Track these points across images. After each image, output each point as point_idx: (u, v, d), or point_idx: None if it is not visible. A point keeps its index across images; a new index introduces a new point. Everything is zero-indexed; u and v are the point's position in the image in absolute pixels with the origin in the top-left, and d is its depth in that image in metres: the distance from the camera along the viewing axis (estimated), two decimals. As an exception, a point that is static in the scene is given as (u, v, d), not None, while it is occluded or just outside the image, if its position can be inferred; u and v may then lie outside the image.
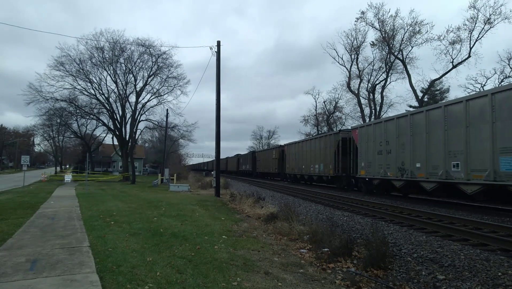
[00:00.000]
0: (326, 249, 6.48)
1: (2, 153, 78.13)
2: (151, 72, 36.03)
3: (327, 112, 50.17)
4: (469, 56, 30.49)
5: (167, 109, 37.68)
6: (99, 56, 34.36)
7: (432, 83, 35.20)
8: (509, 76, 29.69)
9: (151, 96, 37.51)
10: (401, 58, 35.18)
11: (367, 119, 38.04)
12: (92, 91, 35.65)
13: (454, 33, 30.68)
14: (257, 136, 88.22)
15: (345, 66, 40.95)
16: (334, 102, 48.18)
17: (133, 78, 36.28)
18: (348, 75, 40.74)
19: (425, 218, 9.79)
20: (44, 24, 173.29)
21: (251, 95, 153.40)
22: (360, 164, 17.69)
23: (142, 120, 38.06)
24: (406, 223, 9.23)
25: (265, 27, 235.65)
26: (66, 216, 10.24)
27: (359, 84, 40.38)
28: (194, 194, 20.27)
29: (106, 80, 36.04)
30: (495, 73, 30.43)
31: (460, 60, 31.16)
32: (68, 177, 33.07)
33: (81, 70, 34.10)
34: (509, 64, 29.58)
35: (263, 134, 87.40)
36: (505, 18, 27.72)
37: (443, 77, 33.94)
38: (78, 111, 37.62)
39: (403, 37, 34.21)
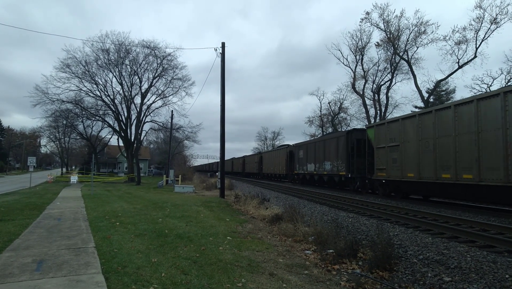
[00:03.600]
0: (331, 251, 6.45)
1: (9, 154, 78.97)
2: (156, 74, 36.37)
3: (332, 113, 49.91)
4: (475, 56, 30.25)
5: (172, 111, 37.94)
6: (104, 58, 34.76)
7: (438, 83, 34.93)
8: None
9: (156, 97, 37.88)
10: (406, 58, 34.95)
11: (372, 120, 37.85)
12: (98, 93, 36.08)
13: (460, 33, 30.46)
14: (261, 137, 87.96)
15: (350, 67, 40.84)
16: (339, 103, 47.93)
17: (138, 79, 36.63)
18: (353, 76, 40.62)
19: (431, 219, 9.73)
20: (51, 27, 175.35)
21: (256, 97, 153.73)
22: (296, 166, 29.25)
23: (147, 121, 38.45)
24: (412, 225, 9.17)
25: (269, 28, 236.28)
26: (72, 217, 10.32)
27: (364, 85, 40.22)
28: (199, 195, 20.31)
29: (111, 82, 36.48)
30: (502, 73, 30.13)
31: (466, 61, 30.92)
32: (74, 178, 33.37)
33: (87, 72, 34.52)
34: (515, 64, 29.26)
35: (267, 136, 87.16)
36: (512, 18, 27.47)
37: (449, 78, 33.72)
38: (84, 112, 38.04)
39: (408, 38, 34.04)
